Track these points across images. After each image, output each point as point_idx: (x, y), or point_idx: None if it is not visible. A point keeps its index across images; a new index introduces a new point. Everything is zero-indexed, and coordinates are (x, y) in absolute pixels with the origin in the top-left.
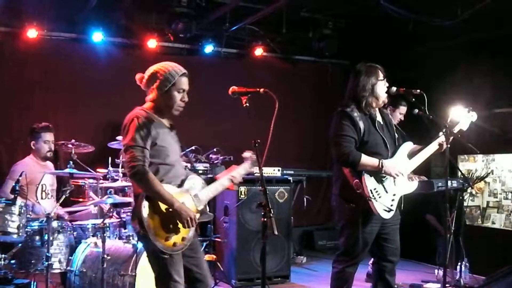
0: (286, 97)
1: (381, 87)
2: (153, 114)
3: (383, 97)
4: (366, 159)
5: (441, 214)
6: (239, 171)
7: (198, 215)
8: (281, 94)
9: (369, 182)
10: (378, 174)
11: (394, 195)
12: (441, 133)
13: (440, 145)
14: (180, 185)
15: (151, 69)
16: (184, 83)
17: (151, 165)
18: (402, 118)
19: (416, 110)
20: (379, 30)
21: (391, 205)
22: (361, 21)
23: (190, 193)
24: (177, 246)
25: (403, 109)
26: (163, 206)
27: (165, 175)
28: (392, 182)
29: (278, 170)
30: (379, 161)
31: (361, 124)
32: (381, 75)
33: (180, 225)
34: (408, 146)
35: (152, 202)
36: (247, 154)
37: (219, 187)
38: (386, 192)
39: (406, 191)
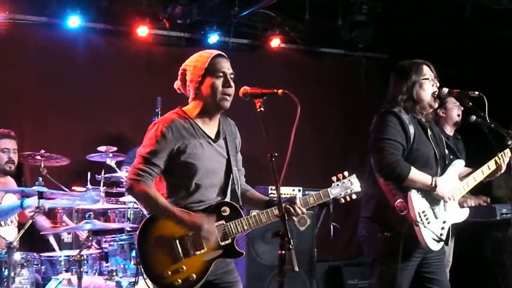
0: (309, 100)
1: (424, 88)
2: (189, 118)
3: (426, 100)
4: (416, 174)
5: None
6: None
7: (211, 252)
8: (304, 96)
9: (418, 202)
10: (429, 195)
11: (444, 222)
12: (504, 152)
13: (499, 165)
14: (202, 212)
15: (181, 67)
16: (221, 63)
17: (169, 183)
18: (461, 108)
19: (474, 117)
20: (426, 16)
21: (441, 234)
22: (403, 5)
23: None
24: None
25: (452, 99)
26: (167, 232)
27: (185, 198)
28: (443, 207)
29: (299, 190)
30: (432, 179)
31: (411, 129)
32: (426, 73)
33: (183, 261)
34: (460, 164)
35: (156, 225)
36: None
37: (264, 218)
38: (436, 217)
39: (456, 219)
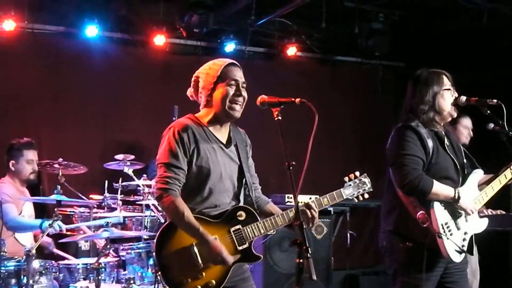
0: (326, 108)
1: (446, 98)
2: (201, 124)
3: (447, 110)
4: (439, 187)
5: None
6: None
7: (231, 257)
8: (320, 104)
9: (441, 214)
10: (452, 206)
11: (465, 233)
12: None
13: None
14: (218, 217)
15: (194, 74)
16: (233, 72)
17: (183, 189)
18: (471, 134)
19: (492, 125)
20: (443, 23)
21: (463, 246)
22: (420, 12)
23: (230, 228)
24: None
25: (466, 121)
26: (185, 240)
27: (200, 203)
28: (464, 218)
29: (316, 198)
30: (455, 191)
31: (430, 143)
32: (446, 83)
33: (202, 267)
34: (479, 174)
35: (174, 233)
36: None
37: (280, 221)
38: (458, 228)
39: (477, 230)
